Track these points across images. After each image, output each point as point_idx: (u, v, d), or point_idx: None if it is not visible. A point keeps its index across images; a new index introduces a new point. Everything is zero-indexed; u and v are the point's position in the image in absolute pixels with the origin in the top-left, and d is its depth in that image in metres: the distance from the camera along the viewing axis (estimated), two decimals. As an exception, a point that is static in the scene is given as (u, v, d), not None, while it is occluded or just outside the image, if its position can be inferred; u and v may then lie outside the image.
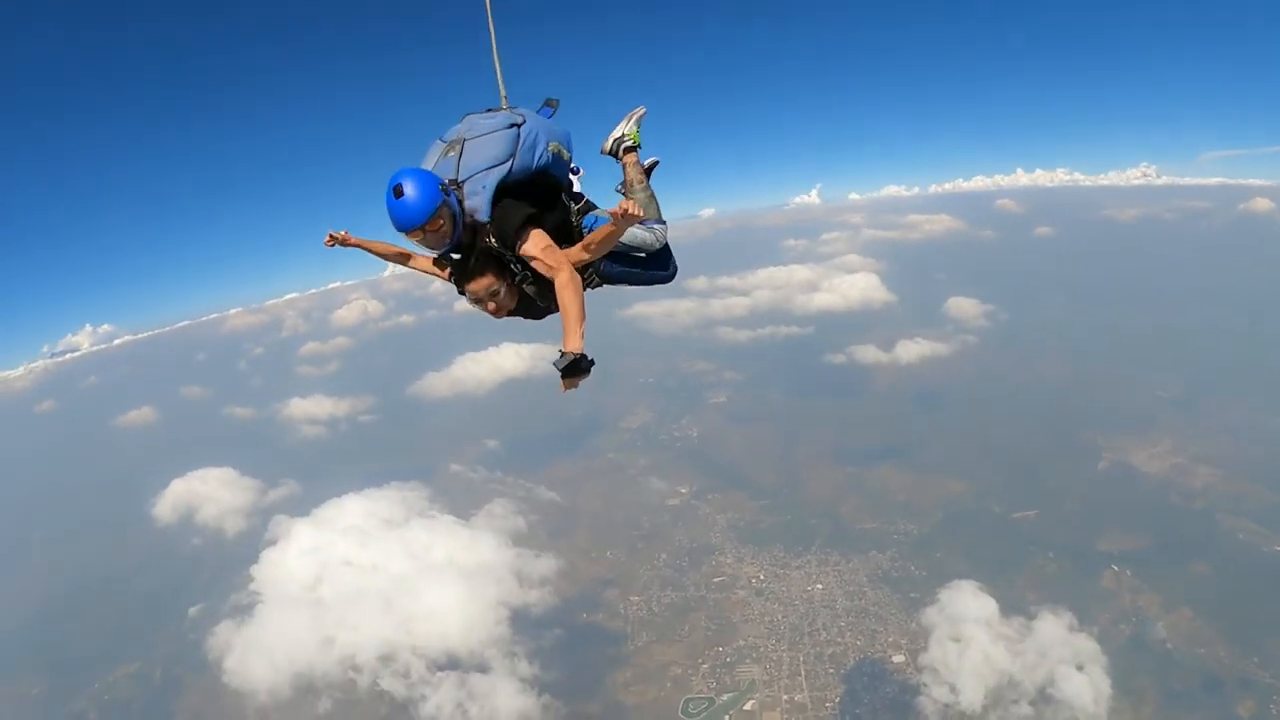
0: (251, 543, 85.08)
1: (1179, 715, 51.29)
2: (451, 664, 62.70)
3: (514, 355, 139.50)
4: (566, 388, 5.80)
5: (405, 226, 5.79)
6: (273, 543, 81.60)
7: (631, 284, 7.13)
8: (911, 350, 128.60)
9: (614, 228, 5.88)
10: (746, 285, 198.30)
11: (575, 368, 5.64)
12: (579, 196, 6.97)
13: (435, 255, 6.47)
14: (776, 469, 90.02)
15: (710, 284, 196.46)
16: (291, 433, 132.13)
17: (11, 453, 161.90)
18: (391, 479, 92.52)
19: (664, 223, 7.20)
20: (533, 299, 6.45)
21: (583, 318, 5.84)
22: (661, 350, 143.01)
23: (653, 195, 7.43)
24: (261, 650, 65.80)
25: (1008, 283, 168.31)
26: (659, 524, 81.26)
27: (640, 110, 7.83)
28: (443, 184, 5.88)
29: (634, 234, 6.77)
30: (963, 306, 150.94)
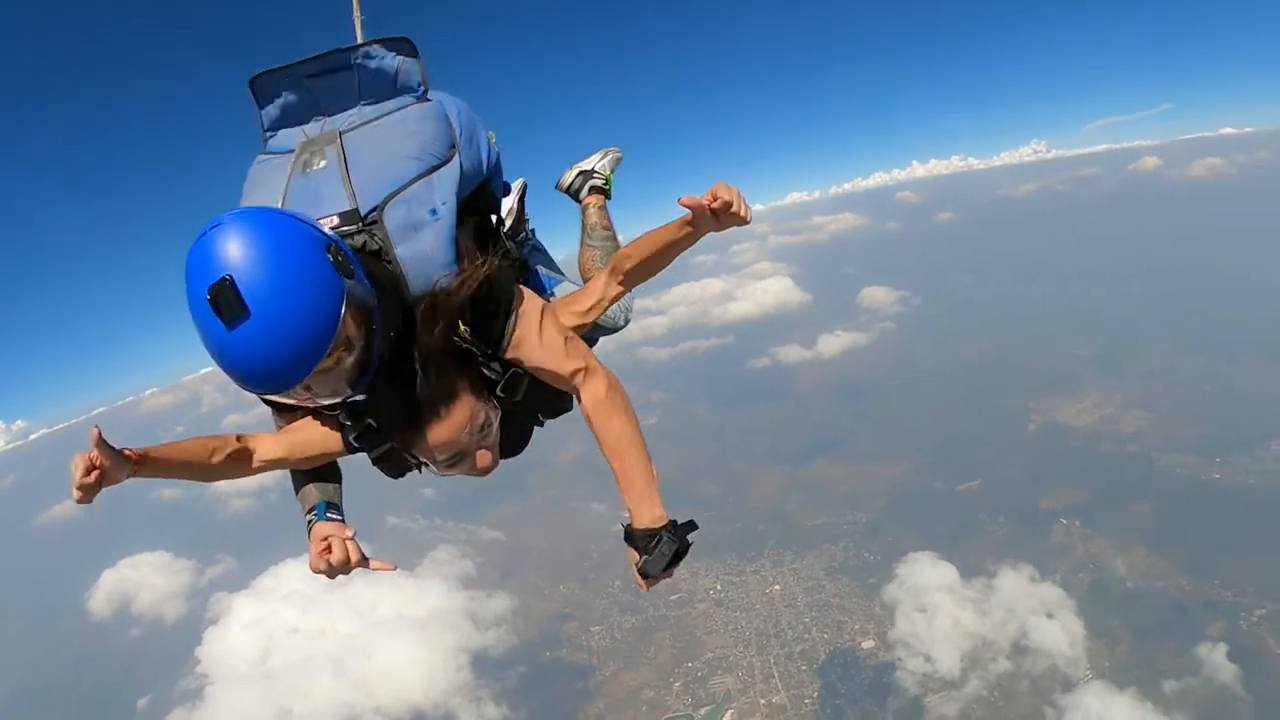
0: (193, 625, 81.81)
1: (1153, 647, 52.00)
2: (416, 718, 60.84)
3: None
4: (651, 586, 3.24)
5: (275, 386, 2.78)
6: (214, 621, 78.85)
7: None
8: (833, 344, 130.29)
9: (692, 230, 3.23)
10: (661, 305, 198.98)
11: (684, 551, 3.20)
12: (513, 230, 4.62)
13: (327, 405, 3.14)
14: (717, 480, 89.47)
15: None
16: (221, 508, 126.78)
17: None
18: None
19: (631, 292, 4.31)
20: (523, 417, 3.70)
21: (649, 458, 3.35)
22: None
23: (619, 249, 4.58)
24: (218, 733, 63.34)
25: (916, 269, 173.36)
26: (607, 551, 79.36)
27: (616, 151, 5.66)
28: (332, 247, 2.78)
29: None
30: (876, 296, 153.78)
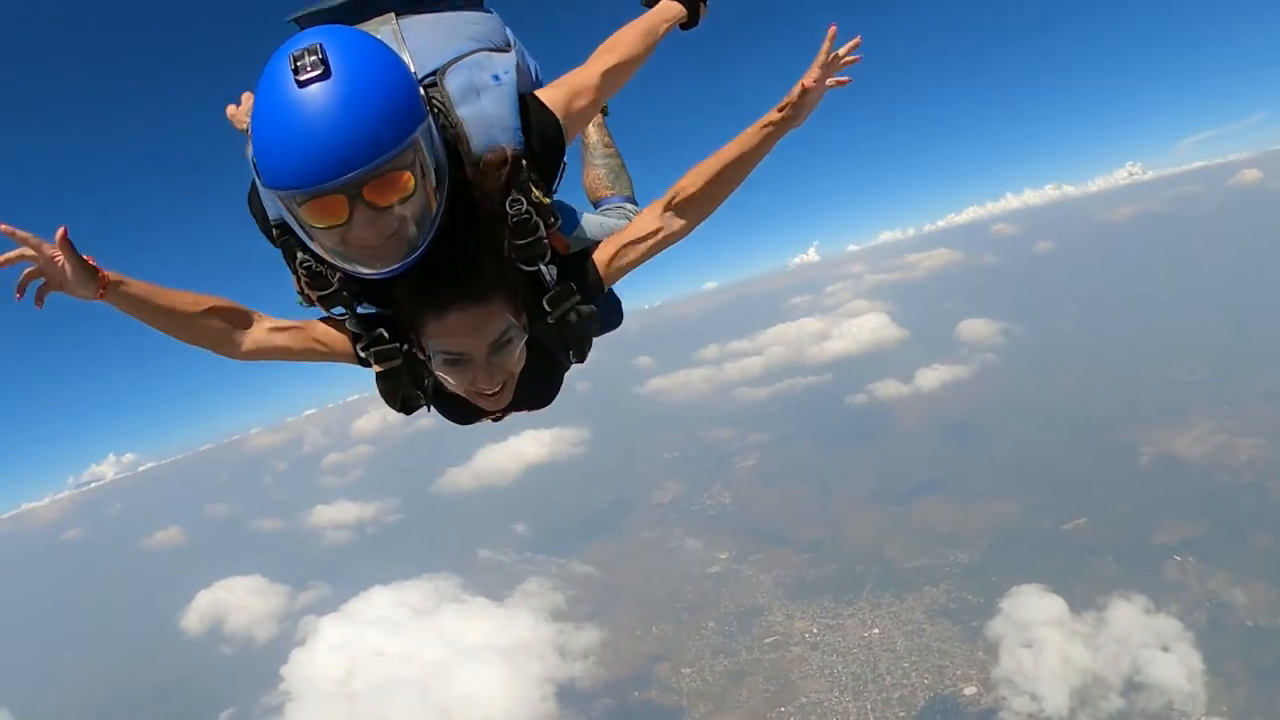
0: (283, 646, 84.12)
1: (1277, 688, 48.94)
2: (498, 746, 61.14)
3: (534, 442, 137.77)
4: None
5: (328, 167, 2.33)
6: (302, 642, 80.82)
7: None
8: (932, 378, 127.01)
9: (778, 125, 3.18)
10: (758, 345, 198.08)
11: None
12: None
13: (358, 272, 2.73)
14: (815, 521, 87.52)
15: (721, 350, 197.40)
16: (318, 539, 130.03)
17: (40, 580, 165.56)
18: (422, 572, 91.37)
19: (636, 204, 4.64)
20: (546, 353, 3.29)
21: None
22: (682, 422, 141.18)
23: (623, 165, 4.84)
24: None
25: (1017, 300, 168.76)
26: (702, 592, 78.88)
27: None
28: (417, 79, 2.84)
29: (605, 225, 4.00)
30: (975, 328, 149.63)
